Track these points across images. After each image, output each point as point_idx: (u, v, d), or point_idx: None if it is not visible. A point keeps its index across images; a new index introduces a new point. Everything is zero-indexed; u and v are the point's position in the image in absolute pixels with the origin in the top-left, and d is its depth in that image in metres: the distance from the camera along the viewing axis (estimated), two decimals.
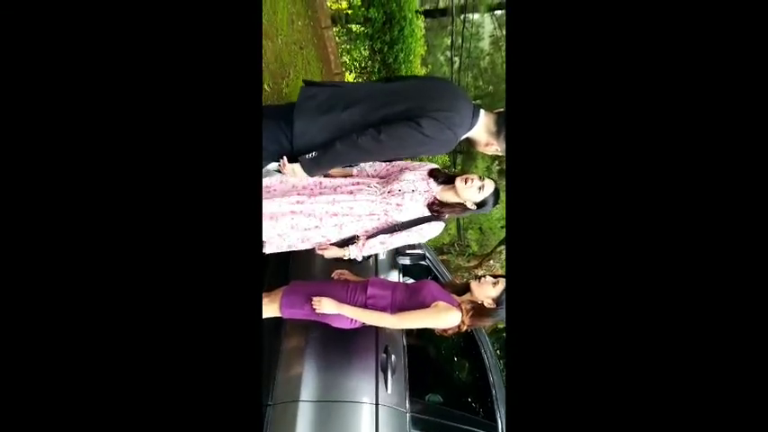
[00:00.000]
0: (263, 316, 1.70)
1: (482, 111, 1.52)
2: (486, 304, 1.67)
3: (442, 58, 10.37)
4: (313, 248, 1.80)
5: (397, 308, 1.65)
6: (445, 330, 1.70)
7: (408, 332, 1.91)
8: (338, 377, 1.70)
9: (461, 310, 1.65)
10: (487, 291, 1.67)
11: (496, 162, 11.65)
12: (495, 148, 1.55)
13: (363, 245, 1.73)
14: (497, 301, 1.66)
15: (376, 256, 2.08)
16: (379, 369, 1.74)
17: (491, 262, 4.25)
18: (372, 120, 1.43)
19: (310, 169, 1.48)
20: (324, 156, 1.44)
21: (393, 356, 1.77)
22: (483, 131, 1.54)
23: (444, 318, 1.62)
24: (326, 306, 1.61)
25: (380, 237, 1.73)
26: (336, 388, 1.66)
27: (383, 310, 1.65)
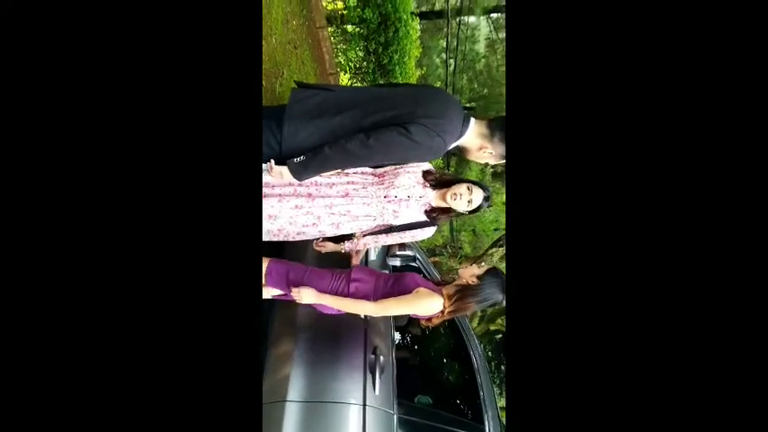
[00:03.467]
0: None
1: (473, 119, 1.53)
2: (470, 283, 1.66)
3: (437, 60, 10.40)
4: (304, 248, 1.88)
5: (379, 295, 1.64)
6: (429, 320, 1.68)
7: (399, 345, 1.91)
8: (326, 378, 1.69)
9: (443, 296, 1.64)
10: (472, 270, 1.69)
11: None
12: (490, 151, 1.55)
13: (358, 241, 1.80)
14: (480, 277, 1.65)
15: (366, 256, 2.09)
16: (368, 370, 1.74)
17: (482, 264, 4.26)
18: (363, 125, 1.43)
19: (299, 173, 1.48)
20: (312, 160, 1.44)
21: (382, 357, 1.76)
22: (475, 137, 1.54)
23: (426, 303, 1.60)
24: (306, 297, 1.59)
25: (375, 236, 1.79)
26: (324, 388, 1.65)
27: (365, 296, 1.63)
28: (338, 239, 1.84)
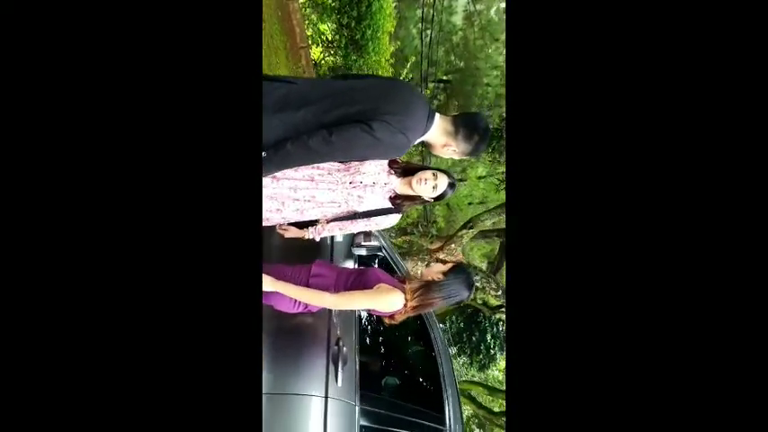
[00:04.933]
0: None
1: (437, 114, 1.51)
2: (435, 279, 1.66)
3: (414, 30, 10.22)
4: (270, 231, 1.87)
5: (340, 288, 1.63)
6: (392, 317, 1.67)
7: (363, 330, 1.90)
8: (288, 369, 1.68)
9: (405, 291, 1.63)
10: (437, 267, 1.69)
11: None
12: (453, 149, 1.55)
13: (323, 228, 1.82)
14: (446, 273, 1.66)
15: (332, 241, 2.08)
16: (330, 361, 1.74)
17: (452, 246, 4.29)
18: (326, 121, 1.39)
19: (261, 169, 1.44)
20: (274, 156, 1.40)
21: (345, 348, 1.77)
22: (439, 134, 1.52)
23: (386, 299, 1.59)
24: (262, 282, 1.55)
25: (340, 222, 1.80)
26: (286, 380, 1.65)
27: (325, 289, 1.62)
28: (302, 225, 1.86)
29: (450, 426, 2.05)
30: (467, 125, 1.50)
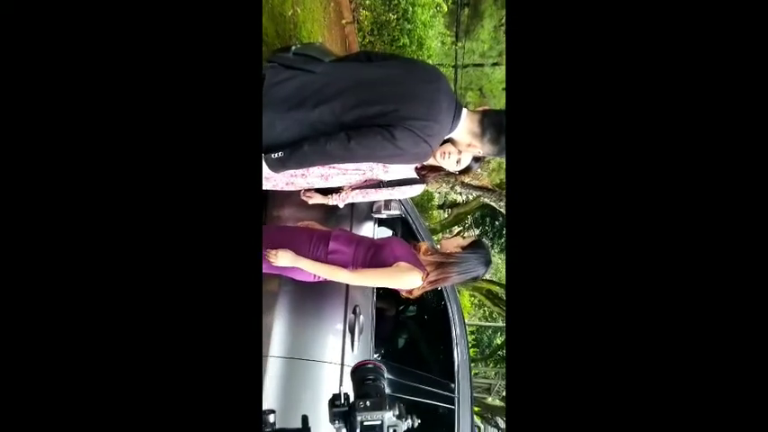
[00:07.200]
0: None
1: (464, 110, 1.35)
2: (453, 252, 1.64)
3: None
4: (289, 194, 1.89)
5: (358, 264, 1.62)
6: (409, 292, 1.66)
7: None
8: (306, 335, 1.76)
9: (424, 270, 1.61)
10: (457, 241, 1.67)
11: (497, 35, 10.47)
12: (478, 150, 1.41)
13: (347, 195, 1.83)
14: (464, 248, 1.64)
15: (353, 204, 2.04)
16: (347, 329, 1.80)
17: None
18: (345, 121, 1.28)
19: (276, 168, 1.36)
20: (290, 157, 1.32)
21: (362, 317, 1.81)
22: (465, 133, 1.38)
23: (404, 278, 1.57)
24: (282, 259, 1.56)
25: (364, 190, 1.82)
26: (304, 346, 1.74)
27: (344, 265, 1.61)
28: (326, 191, 1.86)
29: (458, 396, 2.16)
30: (494, 126, 1.36)
